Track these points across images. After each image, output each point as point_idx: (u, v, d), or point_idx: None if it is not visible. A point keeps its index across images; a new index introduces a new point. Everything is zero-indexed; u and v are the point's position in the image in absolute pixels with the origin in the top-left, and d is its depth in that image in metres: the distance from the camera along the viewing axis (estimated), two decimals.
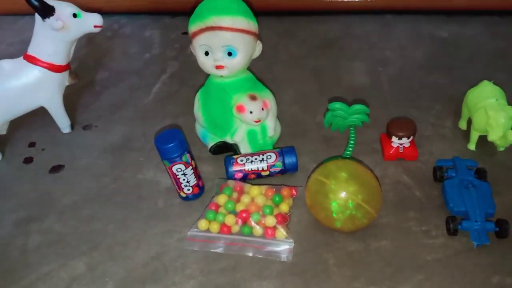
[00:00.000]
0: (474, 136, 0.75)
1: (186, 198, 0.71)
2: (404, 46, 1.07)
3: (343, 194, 0.59)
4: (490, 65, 0.99)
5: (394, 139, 0.73)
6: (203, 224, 0.65)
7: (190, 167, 0.67)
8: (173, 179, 0.68)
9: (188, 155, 0.66)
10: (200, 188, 0.71)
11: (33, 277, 0.63)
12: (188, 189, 0.69)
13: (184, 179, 0.68)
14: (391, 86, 0.94)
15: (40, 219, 0.72)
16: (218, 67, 0.70)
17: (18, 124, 0.91)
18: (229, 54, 0.69)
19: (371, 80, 0.97)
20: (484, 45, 1.07)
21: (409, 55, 1.04)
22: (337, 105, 0.72)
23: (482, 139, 0.75)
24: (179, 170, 0.66)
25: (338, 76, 0.99)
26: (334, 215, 0.60)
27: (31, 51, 0.81)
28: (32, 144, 0.89)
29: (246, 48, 0.70)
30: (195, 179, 0.69)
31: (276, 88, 0.85)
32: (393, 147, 0.74)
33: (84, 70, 1.11)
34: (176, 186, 0.69)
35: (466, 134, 0.79)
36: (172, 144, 0.64)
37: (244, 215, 0.64)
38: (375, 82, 0.96)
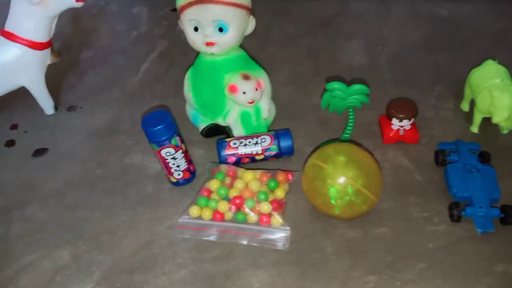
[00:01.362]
0: (478, 118, 0.72)
1: (177, 183, 0.67)
2: (402, 25, 1.03)
3: (341, 179, 0.56)
4: (492, 45, 0.95)
5: (394, 121, 0.70)
6: (194, 210, 0.61)
7: (180, 150, 0.63)
8: (162, 163, 0.64)
9: (177, 138, 0.62)
10: (191, 173, 0.68)
11: (15, 267, 0.60)
12: (179, 174, 0.66)
13: (174, 164, 0.64)
14: (389, 66, 0.91)
15: (22, 207, 0.69)
16: (208, 44, 0.66)
17: None
18: (220, 30, 0.65)
19: (369, 60, 0.93)
20: (485, 24, 1.03)
21: (408, 34, 1.00)
22: (335, 85, 0.68)
23: (485, 121, 0.72)
24: (168, 154, 0.62)
25: (334, 55, 0.95)
26: (333, 201, 0.57)
27: (8, 27, 0.76)
28: (14, 127, 0.84)
29: (238, 24, 0.65)
30: (185, 163, 0.65)
31: (270, 68, 0.81)
32: (393, 129, 0.71)
33: (69, 49, 1.05)
34: (166, 171, 0.66)
35: (468, 116, 0.76)
36: (160, 126, 0.60)
37: (237, 201, 0.61)
38: (373, 61, 0.92)
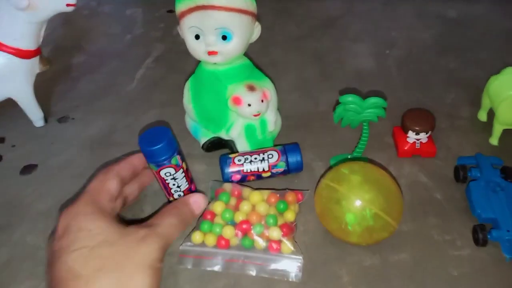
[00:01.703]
0: (498, 129, 0.68)
1: None
2: (410, 27, 0.99)
3: (358, 203, 0.51)
4: (503, 46, 0.91)
5: (410, 133, 0.65)
6: (197, 236, 0.56)
7: (181, 170, 0.58)
8: (161, 184, 0.59)
9: (178, 156, 0.57)
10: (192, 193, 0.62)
11: None
12: (179, 195, 0.61)
13: (174, 184, 0.59)
14: (399, 71, 0.86)
15: (9, 229, 0.63)
16: (210, 53, 0.61)
17: None
18: (224, 38, 0.60)
19: (378, 64, 0.88)
20: (495, 25, 0.98)
21: (417, 36, 0.95)
22: (349, 98, 0.63)
23: (505, 133, 0.67)
24: (168, 174, 0.57)
25: (341, 59, 0.90)
26: (350, 228, 0.52)
27: None
28: (0, 140, 0.79)
29: (243, 31, 0.60)
30: (186, 183, 0.60)
31: (274, 74, 0.76)
32: (409, 142, 0.66)
33: (59, 53, 0.99)
34: (165, 192, 0.61)
35: (486, 126, 0.72)
36: (159, 146, 0.54)
37: (244, 226, 0.56)
38: (382, 66, 0.87)
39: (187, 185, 0.61)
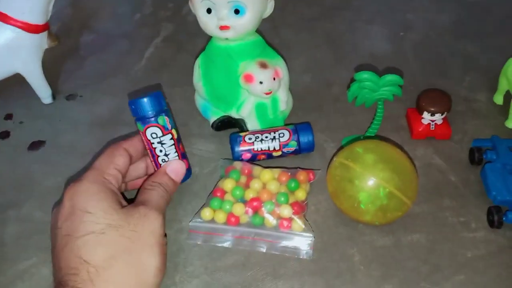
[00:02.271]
0: None
1: None
2: (427, 9, 0.96)
3: (372, 181, 0.50)
4: None
5: (425, 114, 0.64)
6: (207, 213, 0.56)
7: (170, 135, 0.55)
8: (148, 150, 0.56)
9: (166, 118, 0.55)
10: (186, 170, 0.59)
11: (10, 274, 0.55)
12: None
13: (161, 151, 0.55)
14: (415, 54, 0.84)
15: (18, 205, 0.63)
16: (222, 28, 0.59)
17: None
18: (236, 12, 0.58)
19: (393, 47, 0.86)
20: None
21: (434, 18, 0.93)
22: (365, 75, 0.61)
23: None
24: (154, 135, 0.54)
25: (354, 41, 0.88)
26: (363, 207, 0.51)
27: (1, 8, 0.69)
28: (8, 117, 0.78)
29: (256, 5, 0.59)
30: (176, 154, 0.56)
31: (285, 55, 0.74)
32: (423, 124, 0.65)
33: (67, 32, 0.98)
34: (152, 161, 0.57)
35: (502, 110, 0.70)
36: (145, 98, 0.53)
37: (255, 203, 0.55)
38: (397, 48, 0.85)
39: (177, 157, 0.57)
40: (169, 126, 0.56)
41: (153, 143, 0.55)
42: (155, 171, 0.57)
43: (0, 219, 0.61)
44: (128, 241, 0.43)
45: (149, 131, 0.55)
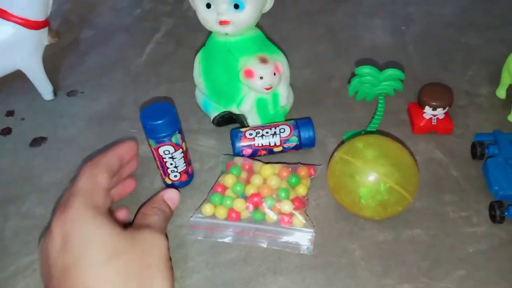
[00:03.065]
0: None
1: (171, 186, 0.61)
2: (429, 1, 0.95)
3: (373, 176, 0.50)
4: None
5: (427, 109, 0.63)
6: (207, 208, 0.56)
7: (180, 150, 0.57)
8: (158, 162, 0.58)
9: (179, 135, 0.55)
10: (189, 175, 0.61)
11: (12, 269, 0.55)
12: (175, 176, 0.59)
13: (171, 164, 0.57)
14: (416, 47, 0.83)
15: (19, 200, 0.63)
16: (222, 23, 0.59)
17: None
18: (236, 6, 0.58)
19: (394, 40, 0.85)
20: None
21: (436, 11, 0.92)
22: (365, 69, 0.61)
23: None
24: (166, 152, 0.56)
25: (355, 35, 0.88)
26: (363, 202, 0.50)
27: (1, 4, 0.69)
28: (10, 113, 0.78)
29: (256, 0, 0.58)
30: (184, 164, 0.59)
31: (286, 49, 0.74)
32: (425, 118, 0.64)
33: (67, 27, 0.98)
34: (161, 171, 0.59)
35: (505, 104, 0.70)
36: (161, 121, 0.52)
37: (255, 199, 0.55)
38: (399, 42, 0.85)
39: (185, 167, 0.59)
40: (181, 142, 0.56)
41: (164, 158, 0.57)
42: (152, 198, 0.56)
43: (1, 214, 0.61)
44: (137, 268, 0.41)
45: (161, 149, 0.55)
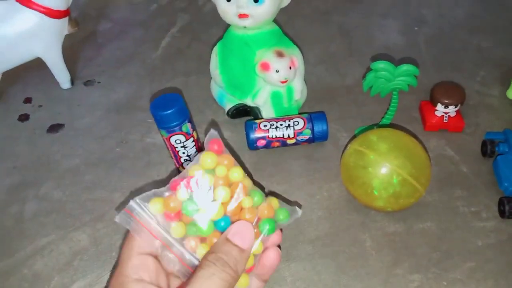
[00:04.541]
0: None
1: None
2: (442, 4, 0.96)
3: (386, 168, 0.51)
4: None
5: (439, 107, 0.64)
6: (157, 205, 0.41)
7: (191, 138, 0.58)
8: (171, 151, 0.59)
9: (189, 124, 0.56)
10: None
11: (30, 249, 0.56)
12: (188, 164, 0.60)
13: (184, 153, 0.59)
14: (429, 48, 0.84)
15: (37, 184, 0.65)
16: (241, 16, 0.60)
17: (12, 77, 0.82)
18: (255, 0, 0.59)
19: (407, 40, 0.86)
20: None
21: (448, 14, 0.93)
22: (381, 64, 0.62)
23: None
24: (178, 141, 0.57)
25: (368, 34, 0.89)
26: (376, 193, 0.52)
27: None
28: (28, 100, 0.80)
29: None
30: (196, 152, 0.60)
31: (300, 46, 0.75)
32: (437, 116, 0.65)
33: (85, 20, 1.00)
34: (174, 160, 0.60)
35: None
36: (170, 111, 0.53)
37: None
38: (411, 42, 0.86)
39: (197, 156, 0.60)
40: (191, 130, 0.58)
41: (176, 147, 0.58)
42: None
43: (20, 197, 0.63)
44: None
45: (173, 138, 0.57)
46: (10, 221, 0.60)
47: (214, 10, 0.62)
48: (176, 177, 0.34)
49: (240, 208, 0.34)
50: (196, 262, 0.33)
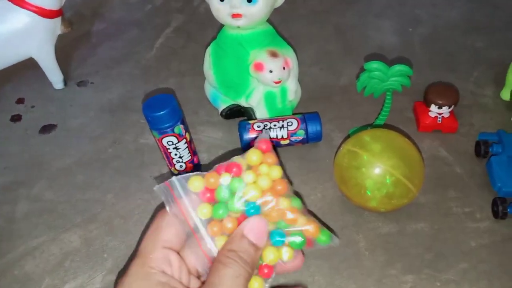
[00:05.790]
0: None
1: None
2: (436, 4, 0.96)
3: (379, 168, 0.51)
4: None
5: (432, 107, 0.64)
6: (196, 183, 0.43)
7: (184, 140, 0.57)
8: (163, 153, 0.59)
9: (181, 126, 0.56)
10: (195, 166, 0.61)
11: (21, 250, 0.56)
12: (181, 166, 0.60)
13: (176, 154, 0.58)
14: (423, 48, 0.84)
15: (29, 185, 0.64)
16: (234, 16, 0.60)
17: (5, 77, 0.81)
18: (249, 0, 0.59)
19: (401, 41, 0.86)
20: None
21: (443, 14, 0.93)
22: (374, 64, 0.62)
23: None
24: (170, 143, 0.56)
25: (364, 34, 0.89)
26: (369, 193, 0.51)
27: None
28: (20, 101, 0.80)
29: None
30: (189, 154, 0.59)
31: (295, 46, 0.75)
32: (431, 117, 0.65)
33: (80, 20, 1.00)
34: (167, 161, 0.60)
35: (509, 105, 0.70)
36: (162, 112, 0.53)
37: None
38: (406, 42, 0.86)
39: (190, 157, 0.60)
40: (184, 132, 0.57)
41: (168, 148, 0.57)
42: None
43: (12, 198, 0.62)
44: None
45: (165, 140, 0.56)
46: (1, 221, 0.59)
47: (209, 10, 0.61)
48: (222, 163, 0.35)
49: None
50: (214, 253, 0.32)
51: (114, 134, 0.71)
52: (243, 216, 0.33)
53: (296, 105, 0.71)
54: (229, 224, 0.33)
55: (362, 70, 0.64)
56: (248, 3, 0.59)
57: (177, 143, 0.57)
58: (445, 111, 0.64)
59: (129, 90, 0.80)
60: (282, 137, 0.64)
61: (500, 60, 0.77)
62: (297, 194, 0.58)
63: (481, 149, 0.62)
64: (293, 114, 0.68)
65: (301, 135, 0.64)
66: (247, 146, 0.64)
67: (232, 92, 0.68)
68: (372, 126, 0.66)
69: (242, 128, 0.64)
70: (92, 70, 0.85)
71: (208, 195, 0.33)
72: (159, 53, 0.89)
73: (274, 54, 0.62)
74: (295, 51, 0.69)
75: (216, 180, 0.34)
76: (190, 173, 0.34)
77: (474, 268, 0.50)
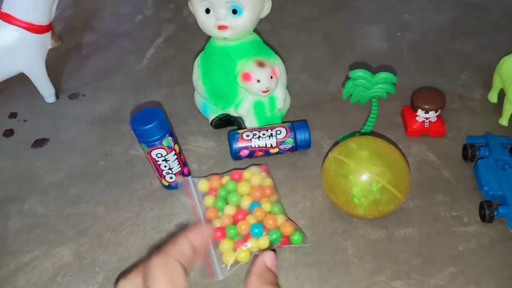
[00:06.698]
0: (508, 110, 0.67)
1: (169, 187, 0.62)
2: (425, 9, 0.97)
3: (366, 176, 0.51)
4: None
5: (419, 112, 0.65)
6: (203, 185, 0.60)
7: (173, 152, 0.58)
8: (152, 165, 0.59)
9: (170, 138, 0.56)
10: (185, 176, 0.62)
11: (13, 266, 0.56)
12: (171, 177, 0.60)
13: (165, 166, 0.59)
14: (411, 53, 0.85)
15: (20, 200, 0.65)
16: (220, 28, 0.61)
17: None
18: (234, 12, 0.60)
19: (390, 46, 0.87)
20: None
21: (431, 18, 0.94)
22: (359, 72, 0.63)
23: None
24: (159, 155, 0.57)
25: (352, 41, 0.90)
26: (356, 201, 0.52)
27: (5, 8, 0.71)
28: (12, 115, 0.80)
29: (253, 5, 0.60)
30: (178, 165, 0.60)
31: (284, 54, 0.76)
32: (418, 121, 0.66)
33: (70, 32, 1.00)
34: (157, 174, 0.60)
35: (497, 108, 0.71)
36: (150, 125, 0.53)
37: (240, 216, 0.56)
38: (394, 48, 0.87)
39: (179, 168, 0.60)
40: (172, 144, 0.57)
41: (157, 161, 0.58)
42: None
43: (3, 213, 0.63)
44: None
45: (154, 152, 0.57)
46: None
47: None
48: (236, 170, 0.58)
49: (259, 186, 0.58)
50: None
51: (105, 146, 0.72)
52: (239, 210, 0.55)
53: (285, 113, 0.72)
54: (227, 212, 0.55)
55: (347, 78, 0.65)
56: (233, 15, 0.60)
57: (166, 155, 0.57)
58: (432, 115, 0.65)
59: (120, 101, 0.81)
60: (271, 145, 0.64)
61: (487, 63, 0.77)
62: (283, 202, 0.58)
63: (468, 152, 0.62)
64: (282, 122, 0.69)
65: (290, 143, 0.64)
66: (237, 155, 0.65)
67: (222, 102, 0.69)
68: (360, 133, 0.66)
69: (232, 138, 0.65)
70: (84, 82, 0.86)
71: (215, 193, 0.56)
72: (150, 64, 0.90)
73: (261, 64, 0.63)
74: (283, 59, 0.69)
75: (217, 183, 0.58)
76: (201, 177, 0.60)
77: (462, 273, 0.51)
